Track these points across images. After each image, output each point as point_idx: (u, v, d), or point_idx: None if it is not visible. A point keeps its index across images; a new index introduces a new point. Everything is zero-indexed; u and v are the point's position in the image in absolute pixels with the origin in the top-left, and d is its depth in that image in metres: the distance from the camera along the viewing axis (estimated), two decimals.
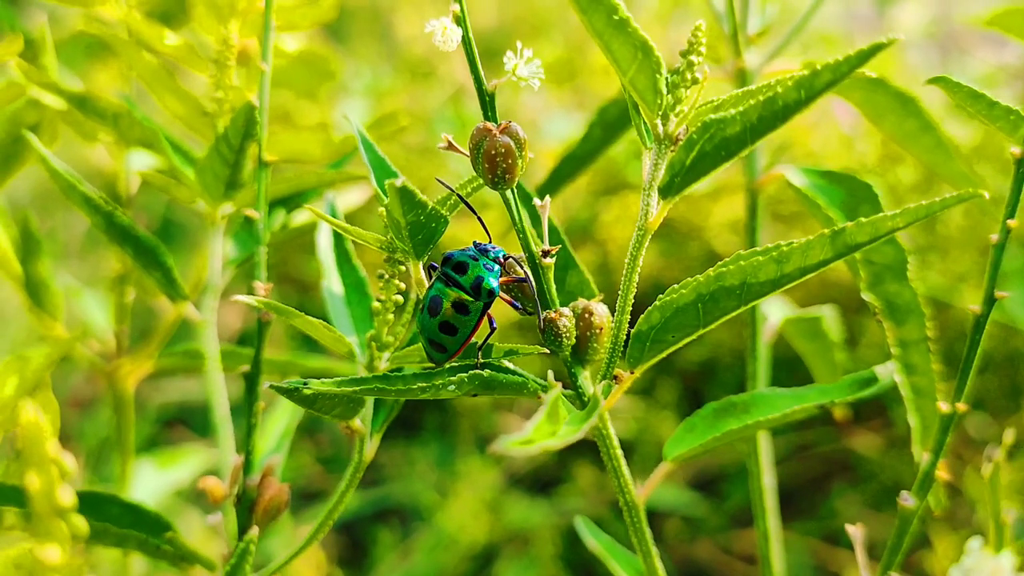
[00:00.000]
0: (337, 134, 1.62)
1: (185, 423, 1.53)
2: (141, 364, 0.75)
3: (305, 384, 0.43)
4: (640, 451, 1.38)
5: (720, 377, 1.38)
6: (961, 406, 0.48)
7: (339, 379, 0.43)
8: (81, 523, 0.37)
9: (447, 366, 0.46)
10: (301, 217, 0.69)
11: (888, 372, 0.53)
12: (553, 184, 0.70)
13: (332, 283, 0.54)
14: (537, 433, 0.36)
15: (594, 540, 0.60)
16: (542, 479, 1.43)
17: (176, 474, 0.88)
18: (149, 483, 0.84)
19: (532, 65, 0.44)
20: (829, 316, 0.69)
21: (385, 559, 1.35)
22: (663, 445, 1.39)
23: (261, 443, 0.65)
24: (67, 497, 0.36)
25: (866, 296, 0.53)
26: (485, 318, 0.46)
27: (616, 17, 0.39)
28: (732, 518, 1.34)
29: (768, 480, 0.65)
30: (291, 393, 0.43)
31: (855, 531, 0.52)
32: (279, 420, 0.65)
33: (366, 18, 2.02)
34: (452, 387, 0.43)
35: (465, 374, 0.43)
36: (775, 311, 0.69)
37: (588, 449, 1.39)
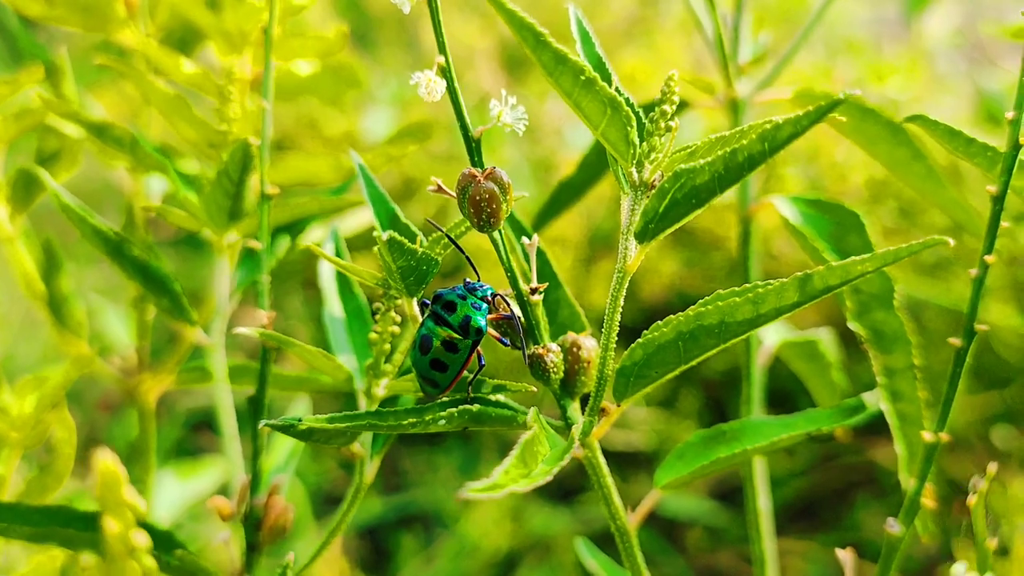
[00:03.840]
0: (364, 142, 1.63)
1: (212, 427, 1.56)
2: (161, 380, 0.77)
3: (299, 420, 0.45)
4: (661, 462, 1.38)
5: (742, 387, 1.38)
6: (944, 436, 0.49)
7: (332, 415, 0.45)
8: (151, 562, 0.39)
9: (438, 401, 0.48)
10: (313, 236, 0.71)
11: (876, 399, 0.54)
12: (550, 212, 0.71)
13: (333, 309, 0.56)
14: (505, 478, 0.38)
15: (593, 561, 0.62)
16: (564, 487, 1.44)
17: (197, 485, 0.90)
18: (170, 494, 0.87)
19: (517, 111, 0.46)
20: (826, 339, 0.70)
21: (408, 565, 1.37)
22: None
23: (268, 461, 0.67)
24: (141, 540, 0.39)
25: (852, 325, 0.54)
26: (475, 354, 0.48)
27: (583, 78, 0.40)
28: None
29: (763, 503, 0.66)
30: (287, 430, 0.45)
31: (845, 556, 0.53)
32: (287, 438, 0.67)
33: (392, 27, 2.03)
34: (442, 421, 0.45)
35: (455, 409, 0.45)
36: (772, 334, 0.70)
37: (610, 459, 1.40)
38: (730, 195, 1.14)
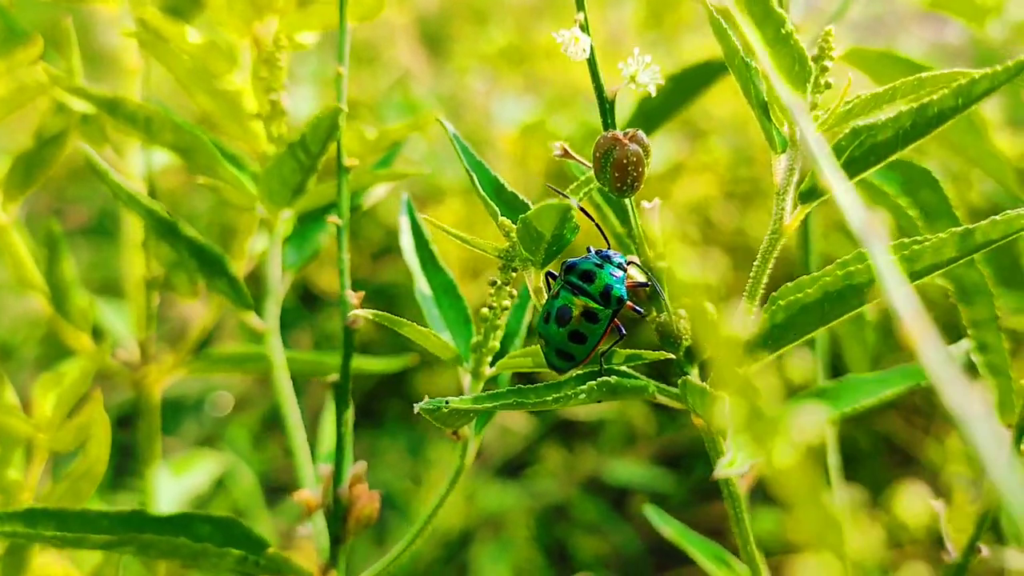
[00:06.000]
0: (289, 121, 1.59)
1: None
2: (170, 370, 0.73)
3: (446, 403, 0.43)
4: (609, 431, 1.40)
5: None
6: None
7: (476, 396, 0.44)
8: None
9: (573, 374, 0.47)
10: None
11: (963, 351, 0.55)
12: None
13: (421, 285, 0.53)
14: (737, 454, 0.37)
15: (668, 528, 0.61)
16: (513, 463, 1.44)
17: (191, 480, 0.86)
18: (170, 491, 0.83)
19: (651, 71, 0.44)
20: None
21: (358, 548, 1.34)
22: (631, 426, 1.39)
23: (322, 447, 0.64)
24: None
25: (939, 280, 0.55)
26: (613, 325, 0.46)
27: (783, 31, 0.39)
28: (697, 493, 1.37)
29: (833, 459, 0.66)
30: (433, 412, 0.43)
31: (938, 505, 0.54)
32: (332, 426, 0.65)
33: None
34: (583, 395, 0.43)
35: (594, 382, 0.44)
36: None
37: (555, 432, 1.40)
38: (676, 156, 1.14)
